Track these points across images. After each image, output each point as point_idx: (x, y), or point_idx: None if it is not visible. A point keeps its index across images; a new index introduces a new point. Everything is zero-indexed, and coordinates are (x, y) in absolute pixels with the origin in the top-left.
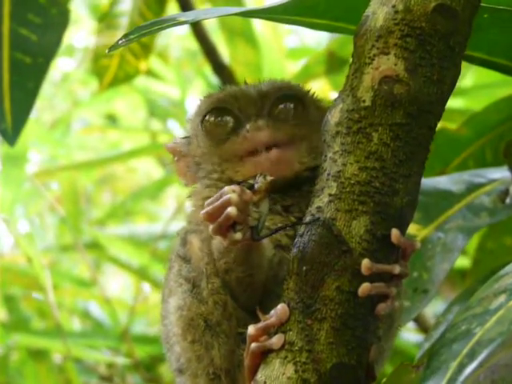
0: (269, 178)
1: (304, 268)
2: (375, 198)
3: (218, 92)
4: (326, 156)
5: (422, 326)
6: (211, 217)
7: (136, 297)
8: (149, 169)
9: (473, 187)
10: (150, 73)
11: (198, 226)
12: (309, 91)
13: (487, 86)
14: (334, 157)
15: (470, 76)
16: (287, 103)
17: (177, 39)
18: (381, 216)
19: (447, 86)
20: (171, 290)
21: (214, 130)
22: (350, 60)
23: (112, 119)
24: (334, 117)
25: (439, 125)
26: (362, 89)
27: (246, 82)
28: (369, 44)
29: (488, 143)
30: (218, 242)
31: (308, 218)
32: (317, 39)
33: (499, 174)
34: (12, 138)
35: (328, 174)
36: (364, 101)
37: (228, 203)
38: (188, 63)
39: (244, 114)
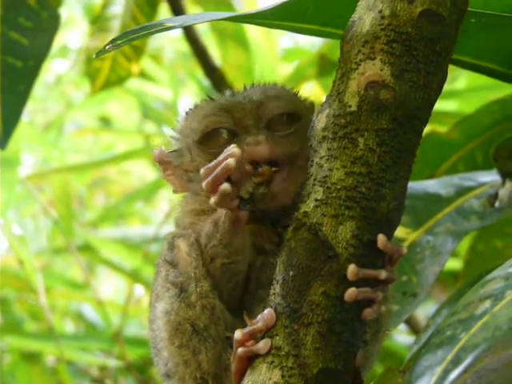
0: (273, 169)
1: (291, 273)
2: (362, 204)
3: (210, 106)
4: (312, 161)
5: (414, 329)
6: (211, 171)
7: (129, 299)
8: (142, 171)
9: (462, 191)
10: (144, 75)
11: (185, 230)
12: (304, 100)
13: (480, 89)
14: (320, 162)
15: (462, 78)
16: (284, 115)
17: (170, 41)
18: (367, 221)
19: (433, 90)
20: (158, 295)
21: (209, 146)
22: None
23: (105, 121)
24: (320, 122)
25: (429, 128)
26: (348, 94)
27: (232, 90)
28: (355, 49)
29: (478, 146)
30: (207, 226)
31: (294, 224)
32: (310, 41)
33: (489, 177)
34: (3, 141)
35: (314, 179)
36: (350, 106)
37: (231, 156)
38: (181, 65)
39: (240, 127)
